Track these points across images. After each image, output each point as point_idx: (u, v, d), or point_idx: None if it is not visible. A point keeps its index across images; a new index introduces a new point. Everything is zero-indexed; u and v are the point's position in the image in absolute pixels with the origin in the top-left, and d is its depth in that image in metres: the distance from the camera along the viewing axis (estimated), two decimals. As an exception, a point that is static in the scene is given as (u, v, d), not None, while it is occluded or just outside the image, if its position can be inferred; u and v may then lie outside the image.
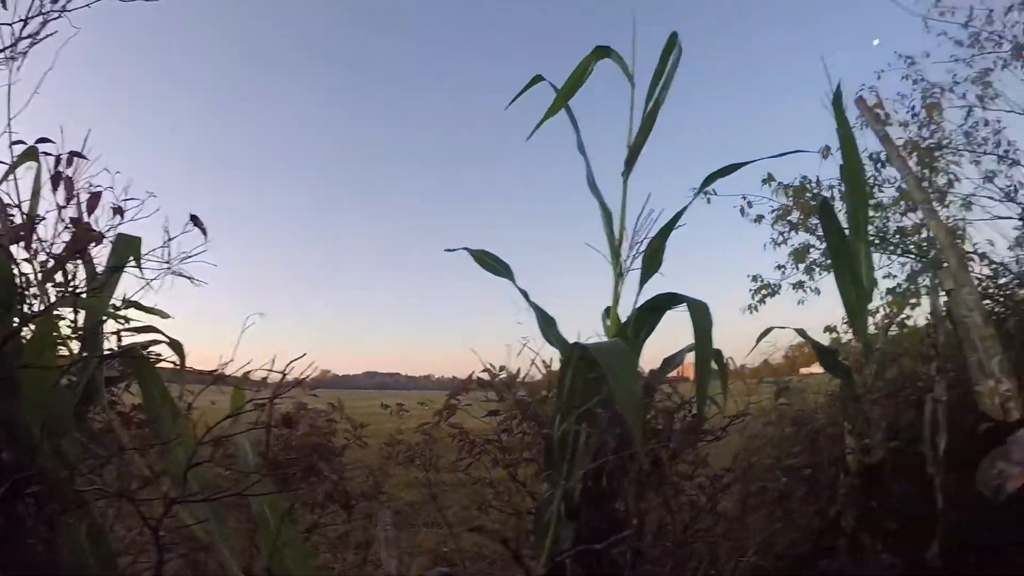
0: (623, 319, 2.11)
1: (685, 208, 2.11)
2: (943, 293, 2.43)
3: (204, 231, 2.74)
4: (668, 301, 2.02)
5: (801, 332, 2.64)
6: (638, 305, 2.08)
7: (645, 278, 2.11)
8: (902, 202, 4.23)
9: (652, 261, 2.10)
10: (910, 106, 4.78)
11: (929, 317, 2.88)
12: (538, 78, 2.21)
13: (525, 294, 2.19)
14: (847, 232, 2.73)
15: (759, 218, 4.84)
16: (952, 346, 2.62)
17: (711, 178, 2.20)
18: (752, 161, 2.24)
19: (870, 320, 3.58)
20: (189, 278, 2.77)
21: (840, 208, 3.66)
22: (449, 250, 2.31)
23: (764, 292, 4.70)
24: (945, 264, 2.46)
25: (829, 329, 4.64)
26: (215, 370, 1.90)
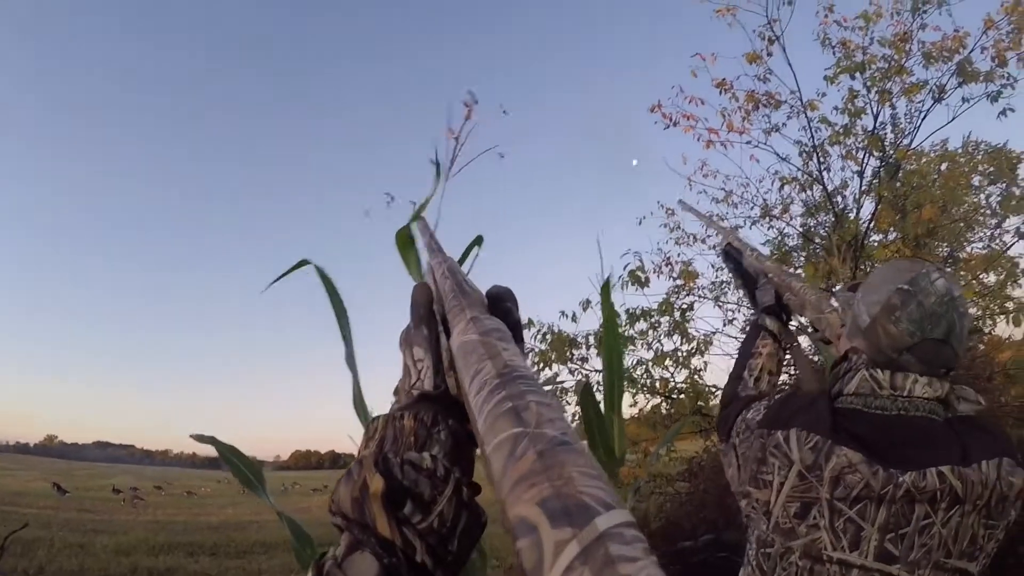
0: None
1: None
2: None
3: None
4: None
5: None
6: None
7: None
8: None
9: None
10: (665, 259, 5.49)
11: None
12: (304, 262, 2.05)
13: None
14: (602, 407, 2.98)
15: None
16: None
17: None
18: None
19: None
20: None
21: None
22: (200, 439, 1.99)
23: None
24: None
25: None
26: None
